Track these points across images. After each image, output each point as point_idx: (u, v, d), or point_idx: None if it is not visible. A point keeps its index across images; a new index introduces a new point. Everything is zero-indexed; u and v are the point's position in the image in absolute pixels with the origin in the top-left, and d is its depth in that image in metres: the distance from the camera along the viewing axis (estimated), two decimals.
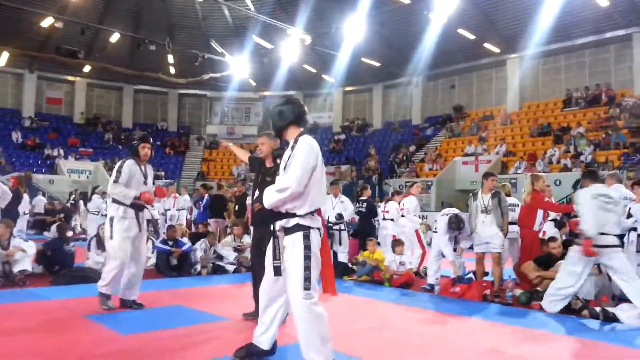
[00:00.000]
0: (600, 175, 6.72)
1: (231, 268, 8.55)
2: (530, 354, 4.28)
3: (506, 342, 4.69)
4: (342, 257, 8.71)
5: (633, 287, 5.49)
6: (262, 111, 32.10)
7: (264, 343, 3.65)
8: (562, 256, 6.89)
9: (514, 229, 7.34)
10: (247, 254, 8.86)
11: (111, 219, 5.29)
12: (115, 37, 23.23)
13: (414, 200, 8.78)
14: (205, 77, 25.30)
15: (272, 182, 4.20)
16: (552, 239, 7.26)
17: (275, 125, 3.64)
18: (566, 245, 7.36)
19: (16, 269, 6.79)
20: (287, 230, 3.38)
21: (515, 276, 7.32)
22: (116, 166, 5.44)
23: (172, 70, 25.86)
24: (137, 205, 5.37)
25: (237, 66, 24.89)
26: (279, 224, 3.41)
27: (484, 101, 25.12)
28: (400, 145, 25.04)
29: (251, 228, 9.83)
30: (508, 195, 7.85)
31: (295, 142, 3.44)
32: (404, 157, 23.66)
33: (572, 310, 5.79)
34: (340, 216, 8.44)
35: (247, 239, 9.04)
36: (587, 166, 16.79)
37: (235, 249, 8.83)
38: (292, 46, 22.54)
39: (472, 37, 21.80)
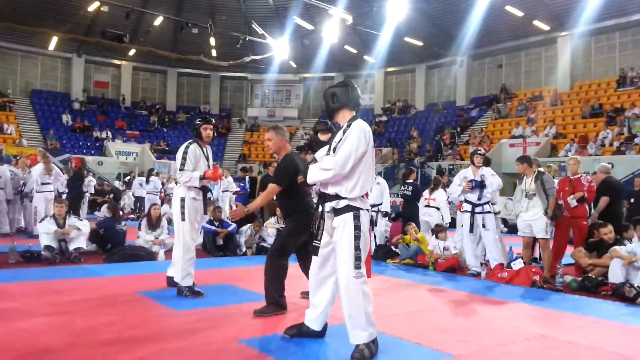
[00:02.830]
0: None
1: None
2: (582, 340, 4.15)
3: (557, 327, 4.57)
4: (380, 240, 8.74)
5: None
6: (302, 93, 32.13)
7: (315, 324, 3.77)
8: (615, 242, 6.66)
9: None
10: None
11: (182, 200, 5.14)
12: (158, 21, 23.62)
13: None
14: (246, 59, 25.40)
15: None
16: (603, 224, 7.01)
17: (328, 107, 3.62)
18: (618, 230, 7.14)
19: (72, 246, 7.11)
20: (337, 211, 3.41)
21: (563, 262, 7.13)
22: (180, 152, 5.24)
23: (214, 53, 26.13)
24: (205, 188, 5.32)
25: (277, 48, 24.87)
26: (329, 205, 3.44)
27: (533, 81, 24.30)
28: (444, 127, 24.57)
29: None
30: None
31: (349, 126, 3.44)
32: (450, 140, 23.20)
33: (626, 297, 5.59)
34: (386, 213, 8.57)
35: None
36: None
37: (279, 231, 8.92)
38: (333, 27, 22.31)
39: (520, 14, 21.02)
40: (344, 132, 3.42)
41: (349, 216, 3.37)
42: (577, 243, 7.21)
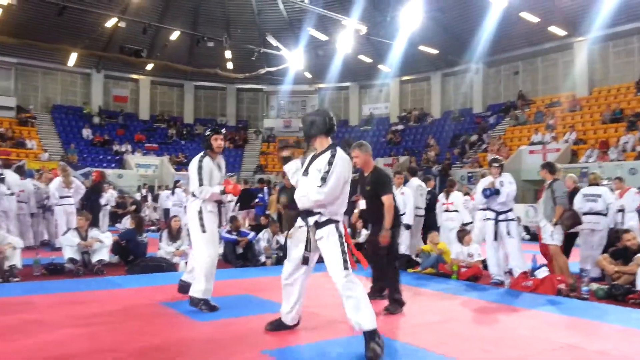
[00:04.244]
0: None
1: None
2: (612, 350, 4.06)
3: (585, 337, 4.47)
4: (403, 249, 8.60)
5: None
6: (317, 103, 32.24)
7: (290, 320, 4.28)
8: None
9: (590, 219, 7.08)
10: None
11: (199, 213, 5.06)
12: (175, 35, 23.97)
13: None
14: (261, 71, 25.66)
15: (371, 189, 5.41)
16: (626, 230, 6.88)
17: (307, 134, 4.06)
18: None
19: (94, 258, 7.19)
20: (320, 225, 3.88)
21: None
22: (194, 167, 5.15)
23: (229, 65, 26.40)
24: (220, 201, 5.26)
25: (292, 59, 25.04)
26: (312, 219, 3.90)
27: (550, 87, 24.03)
28: (461, 135, 24.41)
29: None
30: (595, 184, 7.62)
31: (333, 156, 3.88)
32: (468, 147, 23.03)
33: None
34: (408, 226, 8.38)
35: None
36: None
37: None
38: (347, 37, 22.42)
39: (535, 20, 20.87)
40: (329, 164, 3.84)
41: (331, 227, 3.87)
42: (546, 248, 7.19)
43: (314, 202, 3.84)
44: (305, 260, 3.98)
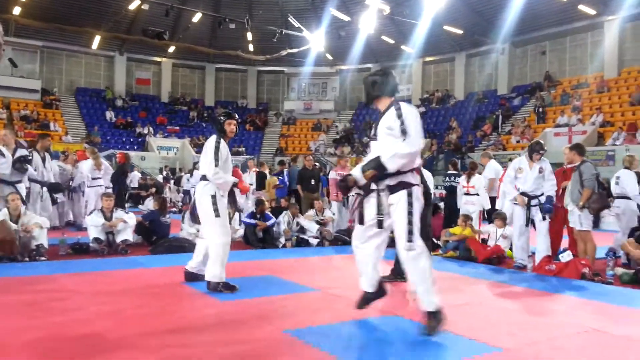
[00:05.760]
0: None
1: (314, 242, 8.67)
2: (639, 335, 3.98)
3: (610, 321, 4.39)
4: None
5: None
6: (338, 85, 32.03)
7: (369, 287, 3.96)
8: None
9: (616, 203, 6.92)
10: (330, 227, 8.99)
11: (213, 197, 5.00)
12: (197, 17, 23.96)
13: None
14: (283, 53, 25.54)
15: None
16: None
17: (369, 95, 3.91)
18: None
19: (119, 238, 7.30)
20: (392, 189, 3.67)
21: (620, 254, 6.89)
22: (210, 147, 5.07)
23: (251, 47, 26.32)
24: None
25: (314, 40, 24.84)
26: (384, 182, 3.69)
27: (578, 68, 23.42)
28: (485, 117, 24.01)
29: (333, 203, 9.98)
30: (626, 167, 7.42)
31: (398, 109, 3.70)
32: (491, 129, 22.66)
33: None
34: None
35: (329, 214, 9.19)
36: None
37: (318, 223, 8.93)
38: (369, 17, 22.12)
39: None
40: (399, 116, 3.66)
41: (402, 194, 3.65)
42: (570, 232, 7.02)
43: (407, 155, 3.58)
44: (379, 224, 3.74)
